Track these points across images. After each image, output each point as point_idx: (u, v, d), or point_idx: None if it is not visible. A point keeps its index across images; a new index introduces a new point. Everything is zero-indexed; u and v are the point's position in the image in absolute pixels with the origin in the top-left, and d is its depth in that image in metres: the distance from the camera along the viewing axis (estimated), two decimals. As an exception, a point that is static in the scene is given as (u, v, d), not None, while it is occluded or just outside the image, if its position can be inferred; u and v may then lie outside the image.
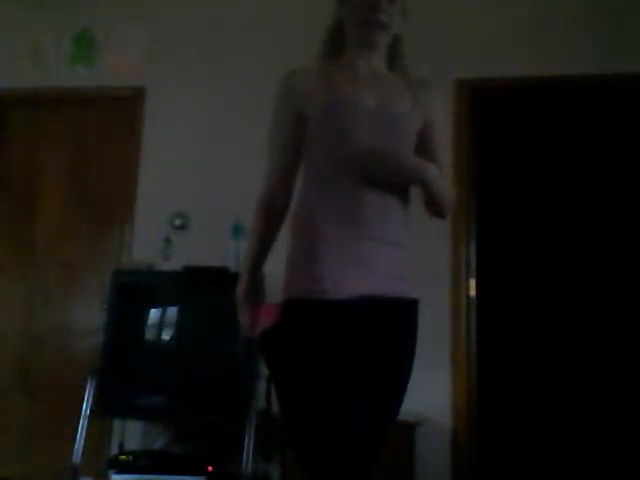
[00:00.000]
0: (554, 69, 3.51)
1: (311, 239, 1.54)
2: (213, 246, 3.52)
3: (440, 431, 3.28)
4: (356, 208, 1.54)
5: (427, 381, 3.02)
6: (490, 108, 3.96)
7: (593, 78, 3.52)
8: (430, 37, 3.51)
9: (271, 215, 1.68)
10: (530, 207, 4.85)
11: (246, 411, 3.02)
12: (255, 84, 3.64)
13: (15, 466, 3.63)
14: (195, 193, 3.72)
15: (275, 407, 3.08)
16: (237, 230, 3.49)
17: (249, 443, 2.97)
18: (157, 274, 3.54)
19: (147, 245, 3.67)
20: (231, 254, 3.44)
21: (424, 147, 1.69)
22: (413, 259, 1.64)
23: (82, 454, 3.09)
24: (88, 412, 3.14)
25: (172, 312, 3.36)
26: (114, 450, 3.43)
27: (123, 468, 3.02)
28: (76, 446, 3.09)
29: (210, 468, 3.01)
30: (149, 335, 3.34)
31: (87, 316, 3.76)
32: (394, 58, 1.73)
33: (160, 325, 3.32)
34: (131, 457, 3.08)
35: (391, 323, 1.57)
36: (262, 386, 3.16)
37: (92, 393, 3.16)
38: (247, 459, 2.95)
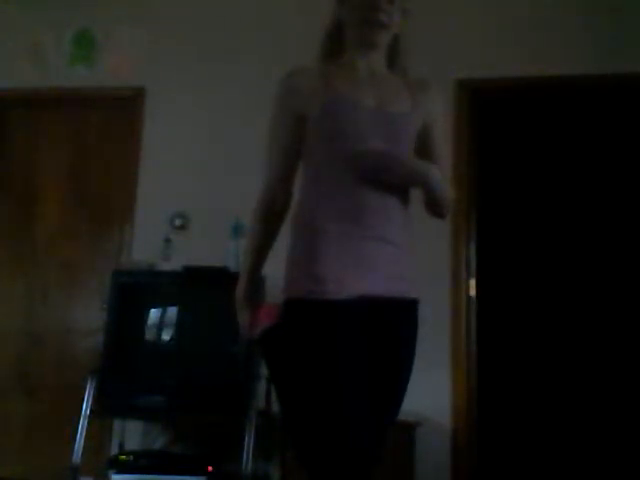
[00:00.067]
0: (554, 69, 3.51)
1: (311, 239, 1.54)
2: (213, 246, 3.52)
3: (440, 431, 3.28)
4: (356, 208, 1.54)
5: (427, 381, 3.02)
6: (490, 108, 3.96)
7: (593, 78, 3.52)
8: (430, 37, 3.51)
9: (271, 215, 1.68)
10: (530, 207, 4.85)
11: (246, 411, 3.02)
12: (255, 84, 3.64)
13: (15, 466, 3.63)
14: (195, 193, 3.72)
15: (275, 407, 3.09)
16: (237, 230, 3.49)
17: (249, 443, 2.97)
18: (157, 274, 3.54)
19: (147, 245, 3.67)
20: (231, 254, 3.44)
21: (424, 147, 1.69)
22: (413, 259, 1.64)
23: (82, 454, 3.09)
24: (88, 412, 3.14)
25: (172, 312, 3.36)
26: (114, 450, 3.43)
27: (123, 468, 3.02)
28: (76, 446, 3.09)
29: (210, 468, 3.01)
30: (149, 335, 3.34)
31: (87, 316, 3.76)
32: (394, 58, 1.73)
33: (160, 325, 3.32)
34: (131, 457, 3.08)
35: (391, 323, 1.57)
36: (262, 386, 3.16)
37: (92, 393, 3.16)
38: (247, 459, 2.95)
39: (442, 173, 1.62)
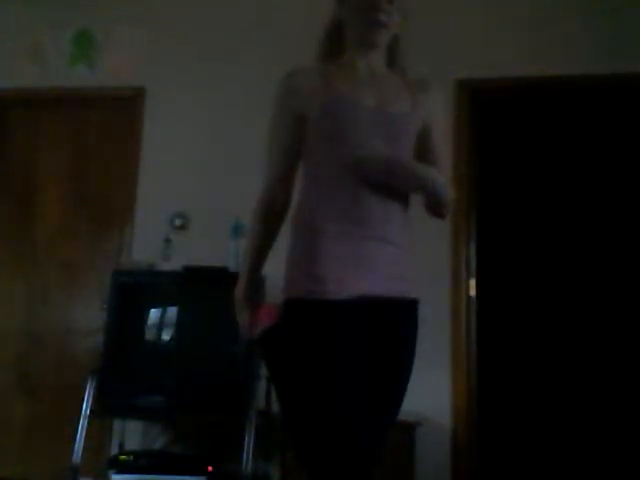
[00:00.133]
0: (554, 69, 3.51)
1: (311, 239, 1.54)
2: (213, 246, 3.52)
3: (440, 431, 3.28)
4: (356, 208, 1.54)
5: (427, 381, 3.02)
6: (490, 108, 3.96)
7: (593, 78, 3.52)
8: (430, 37, 3.51)
9: (271, 215, 1.68)
10: (530, 207, 4.85)
11: (246, 411, 3.02)
12: (255, 84, 3.64)
13: (15, 466, 3.64)
14: (195, 193, 3.72)
15: (275, 407, 3.09)
16: (237, 230, 3.49)
17: (249, 443, 2.97)
18: (157, 274, 3.54)
19: (147, 245, 3.67)
20: (231, 254, 3.44)
21: (424, 147, 1.69)
22: (413, 259, 1.64)
23: (82, 454, 3.09)
24: (88, 412, 3.14)
25: (172, 312, 3.36)
26: (114, 450, 3.43)
27: (123, 468, 3.02)
28: (76, 446, 3.09)
29: (210, 468, 3.01)
30: (149, 335, 3.34)
31: (87, 316, 3.76)
32: (393, 58, 1.73)
33: (160, 325, 3.32)
34: (131, 457, 3.08)
35: (391, 323, 1.57)
36: (262, 386, 3.16)
37: (92, 393, 3.16)
38: (247, 459, 2.95)
39: (442, 174, 1.62)
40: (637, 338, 4.41)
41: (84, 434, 3.11)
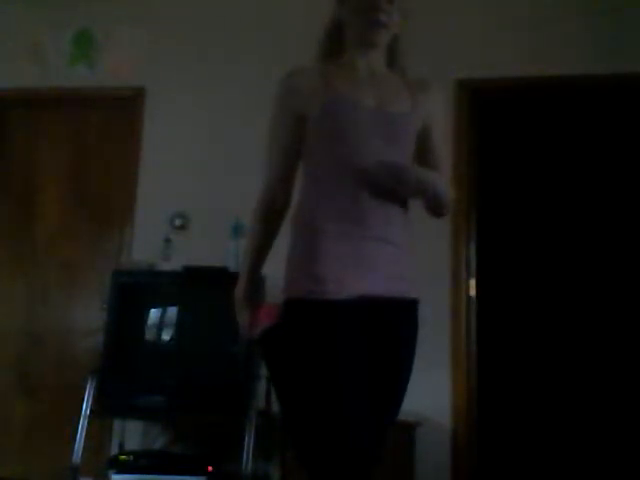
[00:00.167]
0: (554, 69, 3.51)
1: (311, 239, 1.54)
2: (213, 246, 3.52)
3: (440, 431, 3.28)
4: (356, 208, 1.54)
5: (427, 381, 3.02)
6: (490, 108, 3.96)
7: (593, 78, 3.52)
8: (430, 37, 3.51)
9: (271, 215, 1.68)
10: (530, 207, 4.85)
11: (246, 411, 3.02)
12: (255, 84, 3.64)
13: (15, 466, 3.64)
14: (195, 193, 3.72)
15: (275, 407, 3.09)
16: (237, 230, 3.49)
17: (249, 443, 2.97)
18: (157, 274, 3.54)
19: (147, 245, 3.67)
20: (231, 254, 3.44)
21: (424, 147, 1.69)
22: (413, 259, 1.64)
23: (82, 454, 3.09)
24: (88, 412, 3.14)
25: (172, 312, 3.36)
26: (114, 450, 3.43)
27: (123, 468, 3.02)
28: (76, 446, 3.09)
29: (210, 468, 3.01)
30: (149, 335, 3.34)
31: (87, 316, 3.76)
32: (393, 58, 1.73)
33: (160, 325, 3.32)
34: (131, 457, 3.08)
35: (391, 323, 1.57)
36: (262, 386, 3.16)
37: (92, 393, 3.16)
38: (247, 459, 2.95)
39: (442, 174, 1.62)
40: (637, 338, 4.41)
41: (84, 434, 3.11)
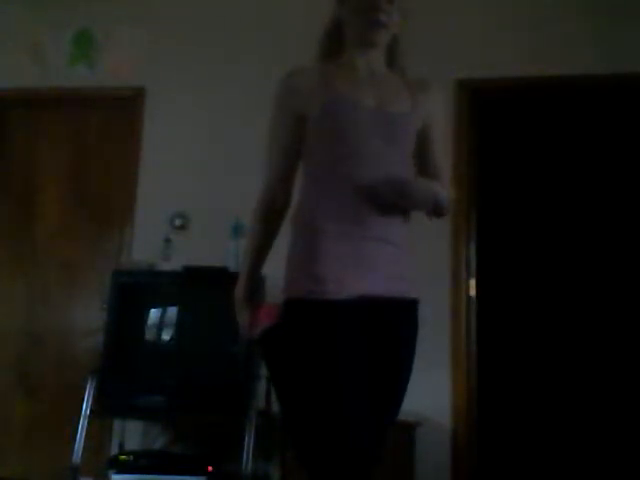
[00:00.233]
0: (554, 69, 3.51)
1: (311, 239, 1.54)
2: (213, 246, 3.52)
3: (440, 431, 3.28)
4: (356, 208, 1.54)
5: (427, 381, 3.02)
6: (490, 108, 3.96)
7: (593, 78, 3.52)
8: (430, 37, 3.51)
9: (270, 215, 1.68)
10: (530, 207, 4.85)
11: (246, 411, 3.02)
12: (255, 84, 3.64)
13: (15, 466, 3.64)
14: (195, 193, 3.72)
15: (275, 407, 3.09)
16: (237, 230, 3.49)
17: (249, 443, 2.97)
18: (157, 274, 3.54)
19: (147, 245, 3.67)
20: (231, 254, 3.44)
21: (424, 147, 1.69)
22: (413, 259, 1.64)
23: (82, 454, 3.09)
24: (88, 412, 3.14)
25: (172, 312, 3.36)
26: (114, 450, 3.43)
27: (123, 468, 3.02)
28: (76, 446, 3.09)
29: (210, 468, 3.01)
30: (149, 335, 3.34)
31: (87, 316, 3.76)
32: (393, 58, 1.73)
33: (160, 325, 3.32)
34: (131, 457, 3.08)
35: (391, 323, 1.57)
36: (262, 386, 3.16)
37: (92, 393, 3.16)
38: (247, 459, 2.95)
39: (442, 175, 1.62)
40: (637, 338, 4.41)
41: (84, 434, 3.11)
